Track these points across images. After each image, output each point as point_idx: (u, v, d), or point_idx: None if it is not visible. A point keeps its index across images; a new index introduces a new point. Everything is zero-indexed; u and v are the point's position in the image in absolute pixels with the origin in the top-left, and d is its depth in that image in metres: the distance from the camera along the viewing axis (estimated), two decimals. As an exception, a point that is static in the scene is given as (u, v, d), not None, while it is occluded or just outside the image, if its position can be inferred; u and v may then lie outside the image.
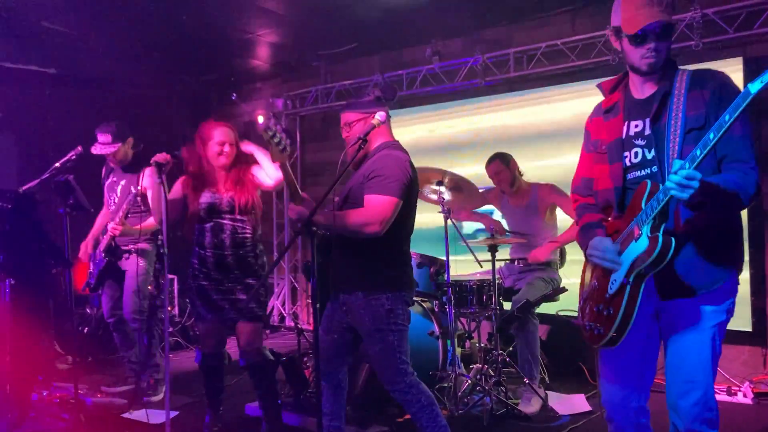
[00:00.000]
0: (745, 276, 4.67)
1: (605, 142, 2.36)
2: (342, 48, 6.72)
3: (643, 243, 2.10)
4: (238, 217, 3.67)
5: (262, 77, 7.99)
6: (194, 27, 6.00)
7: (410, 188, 3.09)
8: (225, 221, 3.66)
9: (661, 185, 2.08)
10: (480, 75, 6.00)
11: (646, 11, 2.19)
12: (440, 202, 4.38)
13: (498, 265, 4.42)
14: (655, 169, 2.22)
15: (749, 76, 4.74)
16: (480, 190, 4.83)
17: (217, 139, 3.65)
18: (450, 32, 6.31)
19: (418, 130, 6.71)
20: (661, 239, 2.04)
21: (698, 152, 1.92)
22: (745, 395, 4.36)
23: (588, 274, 2.44)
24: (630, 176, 2.29)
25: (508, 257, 4.90)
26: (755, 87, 1.80)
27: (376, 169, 3.04)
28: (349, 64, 7.14)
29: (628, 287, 2.15)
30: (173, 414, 3.90)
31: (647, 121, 2.26)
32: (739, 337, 4.77)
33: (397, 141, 3.26)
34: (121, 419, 4.21)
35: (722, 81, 2.21)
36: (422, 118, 6.71)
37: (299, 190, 3.14)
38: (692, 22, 4.85)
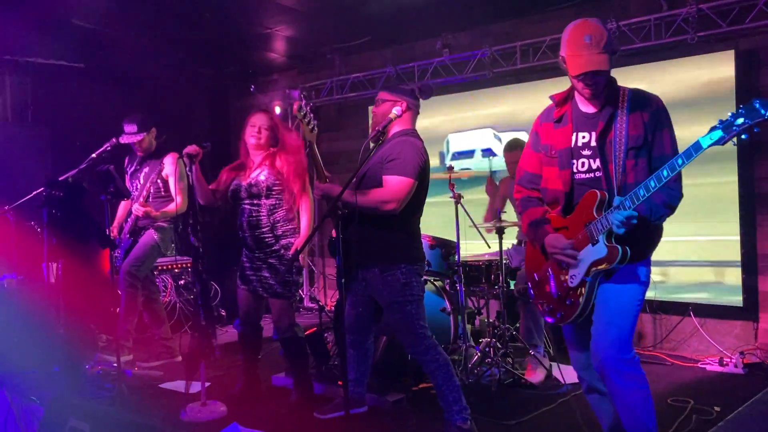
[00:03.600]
0: (736, 255, 4.97)
1: (554, 148, 2.68)
2: (356, 41, 6.92)
3: (601, 249, 2.50)
4: (255, 201, 3.94)
5: (279, 69, 8.17)
6: (215, 23, 6.22)
7: (424, 171, 3.39)
8: (245, 205, 3.97)
9: (615, 198, 2.46)
10: (488, 67, 6.22)
11: (585, 55, 2.47)
12: (451, 188, 4.71)
13: (505, 246, 4.70)
14: (599, 174, 2.57)
15: (740, 68, 5.00)
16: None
17: (251, 122, 3.98)
18: (459, 26, 6.51)
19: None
20: (620, 251, 2.45)
21: (641, 192, 2.34)
22: (736, 365, 4.65)
23: (538, 262, 2.79)
24: (576, 178, 2.63)
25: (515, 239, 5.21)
26: (705, 143, 2.21)
27: (393, 153, 3.32)
28: (363, 56, 7.31)
29: (588, 283, 2.55)
30: (207, 384, 4.23)
31: (593, 134, 2.58)
32: (731, 313, 5.06)
33: (415, 130, 3.52)
34: (159, 389, 4.54)
35: (659, 106, 2.55)
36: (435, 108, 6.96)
37: (324, 170, 3.37)
38: (688, 17, 5.08)
